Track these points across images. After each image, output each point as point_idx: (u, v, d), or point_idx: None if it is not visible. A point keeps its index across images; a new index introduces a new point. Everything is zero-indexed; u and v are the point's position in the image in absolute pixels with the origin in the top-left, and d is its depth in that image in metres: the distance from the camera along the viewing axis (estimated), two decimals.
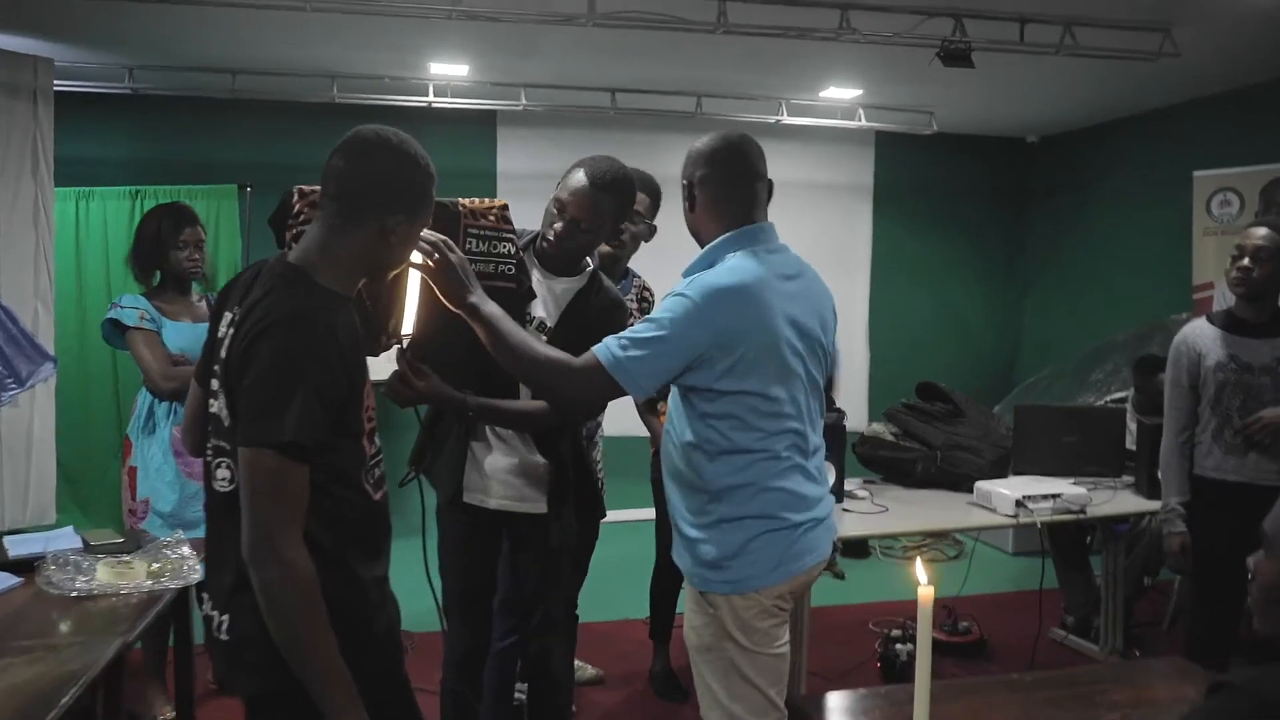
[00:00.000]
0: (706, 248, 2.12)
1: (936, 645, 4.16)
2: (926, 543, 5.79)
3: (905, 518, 3.46)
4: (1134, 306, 6.15)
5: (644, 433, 3.88)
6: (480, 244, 2.37)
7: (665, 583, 3.88)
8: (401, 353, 2.19)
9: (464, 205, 2.35)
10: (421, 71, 5.45)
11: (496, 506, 2.48)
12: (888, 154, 7.21)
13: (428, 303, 2.15)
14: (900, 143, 7.00)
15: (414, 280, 2.12)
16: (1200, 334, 3.17)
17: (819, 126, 6.44)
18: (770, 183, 2.25)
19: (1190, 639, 3.29)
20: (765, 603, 2.02)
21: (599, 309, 2.46)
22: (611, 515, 5.94)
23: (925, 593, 1.64)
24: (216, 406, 1.66)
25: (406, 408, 2.31)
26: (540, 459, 2.47)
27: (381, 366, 2.08)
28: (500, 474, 2.47)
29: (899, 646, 3.91)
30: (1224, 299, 5.44)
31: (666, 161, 6.80)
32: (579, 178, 2.40)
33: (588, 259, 2.54)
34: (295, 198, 2.09)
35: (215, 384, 1.66)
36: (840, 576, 5.26)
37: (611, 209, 2.43)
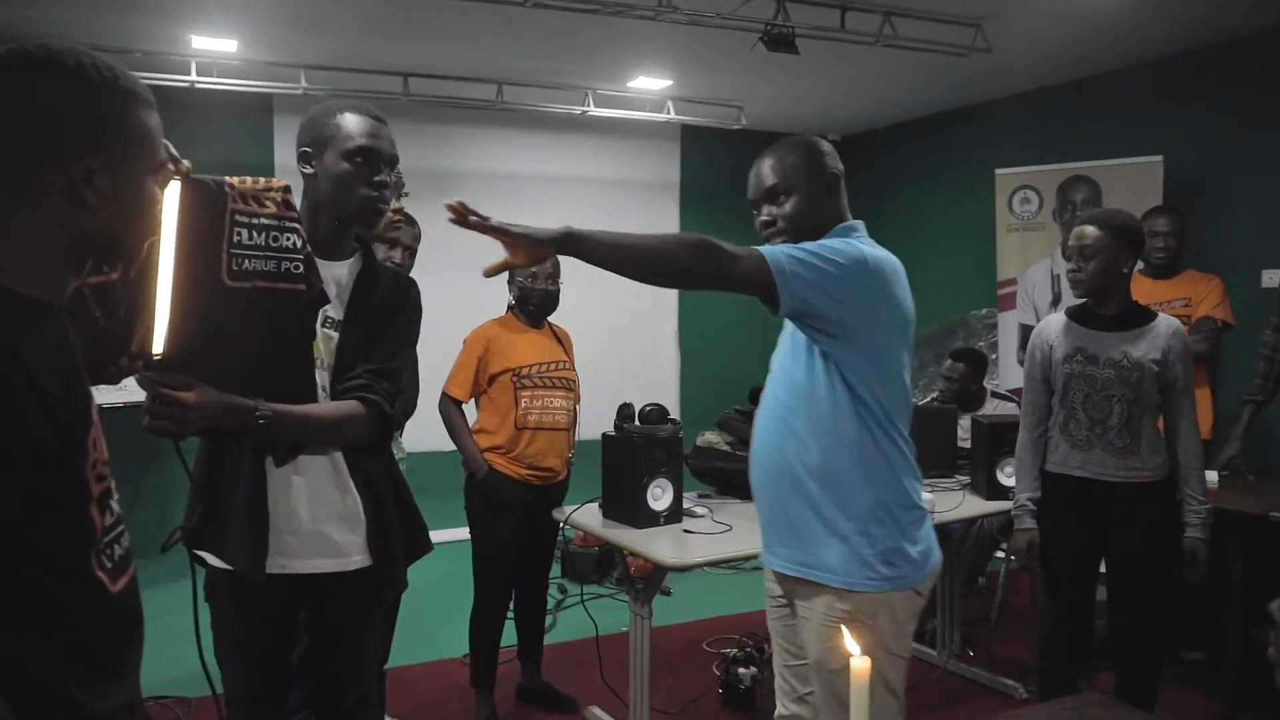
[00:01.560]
0: (834, 231, 2.04)
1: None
2: (755, 551, 5.60)
3: (751, 535, 3.14)
4: (940, 303, 6.21)
5: (450, 447, 3.44)
6: (255, 235, 1.87)
7: (488, 616, 3.45)
8: (146, 377, 1.66)
9: (232, 186, 1.84)
10: (182, 46, 4.75)
11: (306, 570, 1.91)
12: (694, 150, 7.04)
13: (184, 301, 1.64)
14: (707, 138, 6.84)
15: (165, 274, 1.60)
16: (1053, 327, 3.08)
17: (626, 120, 6.17)
18: None
19: (1047, 639, 3.21)
20: (919, 600, 2.01)
21: (386, 289, 2.01)
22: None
23: (859, 665, 1.32)
24: None
25: (175, 438, 1.75)
26: (354, 492, 1.94)
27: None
28: (308, 523, 1.90)
29: (741, 671, 3.64)
30: (1026, 294, 5.56)
31: (463, 154, 6.43)
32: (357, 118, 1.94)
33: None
34: None
35: None
36: (666, 593, 4.97)
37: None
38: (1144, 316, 2.98)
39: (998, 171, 5.55)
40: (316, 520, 1.91)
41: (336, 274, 1.95)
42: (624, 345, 6.73)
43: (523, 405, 3.36)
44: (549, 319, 3.54)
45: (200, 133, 5.15)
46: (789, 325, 2.10)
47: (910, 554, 1.96)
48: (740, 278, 1.83)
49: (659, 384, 6.81)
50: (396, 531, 2.01)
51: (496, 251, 1.90)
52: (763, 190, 2.09)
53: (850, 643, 1.35)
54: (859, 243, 1.97)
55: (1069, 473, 3.02)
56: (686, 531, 3.17)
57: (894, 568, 1.94)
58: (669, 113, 6.12)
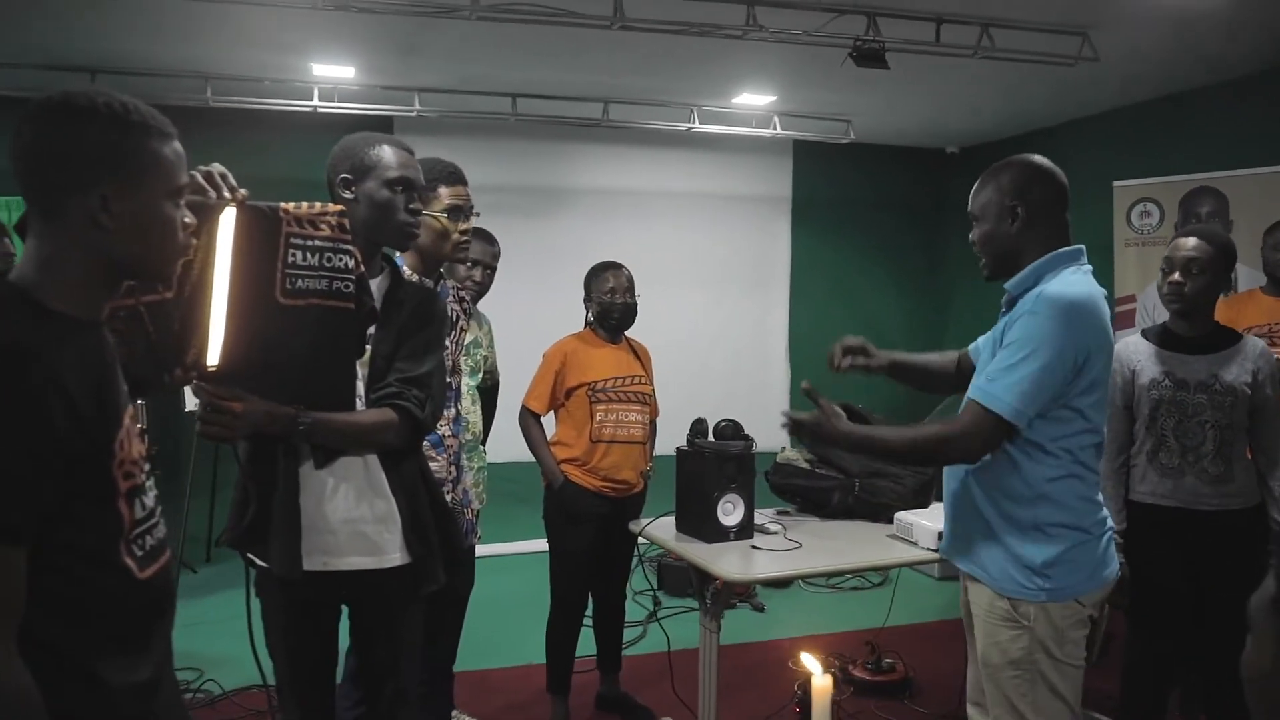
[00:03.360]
0: (1034, 264, 2.08)
1: (859, 685, 3.92)
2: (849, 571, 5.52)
3: (820, 554, 3.15)
4: None
5: (530, 458, 3.55)
6: (309, 256, 2.00)
7: (563, 625, 3.53)
8: (200, 387, 1.80)
9: (287, 210, 1.98)
10: (304, 74, 5.06)
11: (347, 567, 2.04)
12: (806, 164, 7.01)
13: (239, 318, 1.78)
14: (818, 153, 6.80)
15: (220, 293, 1.75)
16: (1135, 351, 2.95)
17: (733, 135, 6.20)
18: None
19: (1128, 673, 3.07)
20: (1083, 611, 2.06)
21: (415, 302, 2.14)
22: (498, 548, 5.67)
23: (820, 685, 1.33)
24: None
25: (223, 442, 1.91)
26: (388, 495, 2.07)
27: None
28: (347, 524, 2.03)
29: None
30: (1146, 311, 5.30)
31: (573, 171, 6.60)
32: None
33: (386, 253, 2.20)
34: None
35: None
36: (760, 609, 4.95)
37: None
38: (1230, 338, 2.84)
39: (1116, 184, 5.32)
40: (354, 520, 2.03)
41: (370, 289, 2.08)
42: (731, 359, 6.75)
43: (598, 418, 3.43)
44: (627, 334, 3.61)
45: (324, 155, 5.44)
46: (995, 336, 2.17)
47: (1069, 568, 2.03)
48: (981, 448, 2.01)
49: (766, 400, 6.80)
50: (432, 530, 2.11)
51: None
52: (971, 206, 2.20)
53: (810, 661, 1.36)
54: (1064, 299, 1.96)
55: (1159, 502, 2.89)
56: (755, 548, 3.17)
57: (1049, 579, 2.01)
58: (776, 128, 6.12)
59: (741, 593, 5.02)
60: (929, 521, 3.17)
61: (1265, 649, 1.00)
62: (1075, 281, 2.01)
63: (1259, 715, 1.04)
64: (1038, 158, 2.15)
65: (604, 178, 6.49)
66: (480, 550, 5.25)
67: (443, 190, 2.49)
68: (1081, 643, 2.07)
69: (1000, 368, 1.97)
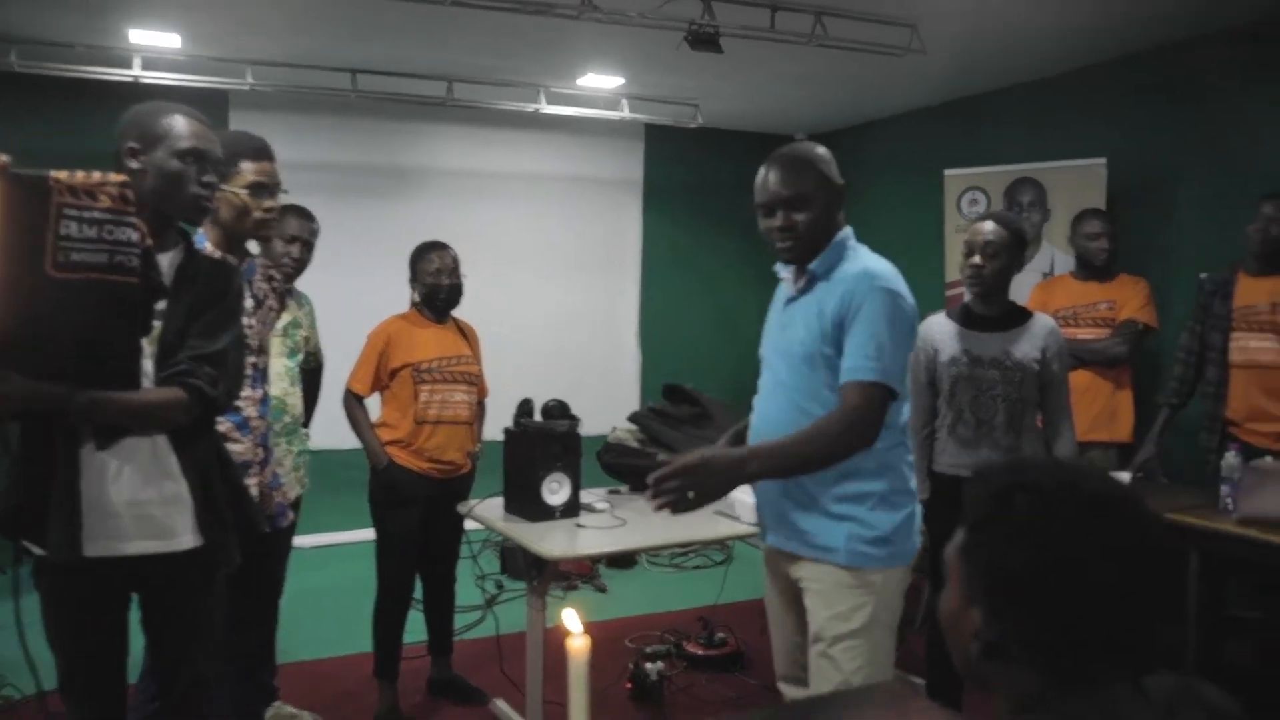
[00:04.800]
0: (834, 243, 2.16)
1: (691, 660, 4.00)
2: (693, 549, 5.62)
3: (643, 531, 3.20)
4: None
5: (354, 444, 3.49)
6: (86, 228, 1.89)
7: (390, 609, 3.48)
8: None
9: (58, 180, 1.87)
10: (121, 40, 4.79)
11: (134, 552, 1.95)
12: (657, 148, 7.05)
13: (5, 292, 1.69)
14: (669, 137, 6.85)
15: None
16: (938, 330, 3.10)
17: (585, 118, 6.18)
18: None
19: (930, 638, 3.23)
20: (910, 576, 2.18)
21: (208, 277, 2.07)
22: (327, 538, 5.55)
23: (577, 645, 1.34)
24: None
25: None
26: (178, 476, 1.98)
27: None
28: (133, 507, 1.94)
29: (649, 666, 3.66)
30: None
31: (419, 151, 6.46)
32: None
33: (184, 228, 2.12)
34: None
35: None
36: (602, 590, 5.00)
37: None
38: (1022, 316, 3.00)
39: (946, 173, 5.55)
40: (141, 502, 1.95)
41: (159, 264, 1.99)
42: (582, 342, 6.76)
43: (422, 399, 3.39)
44: (454, 314, 3.57)
45: None
46: (788, 320, 2.22)
47: (906, 533, 2.16)
48: (877, 422, 2.03)
49: (618, 382, 6.84)
50: (227, 512, 2.05)
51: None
52: (779, 198, 2.15)
53: (571, 620, 1.37)
54: (888, 279, 2.08)
55: (957, 473, 3.04)
56: (579, 526, 3.19)
57: (893, 545, 2.12)
58: (625, 111, 6.14)
59: (583, 574, 5.05)
60: (750, 498, 3.24)
61: (952, 590, 1.06)
62: (879, 260, 2.15)
63: (956, 658, 1.10)
64: (819, 147, 2.23)
65: (451, 159, 6.39)
66: (307, 541, 5.19)
67: (246, 165, 2.41)
68: (900, 609, 2.18)
69: (872, 344, 2.01)
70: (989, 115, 5.87)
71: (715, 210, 7.30)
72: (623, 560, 5.38)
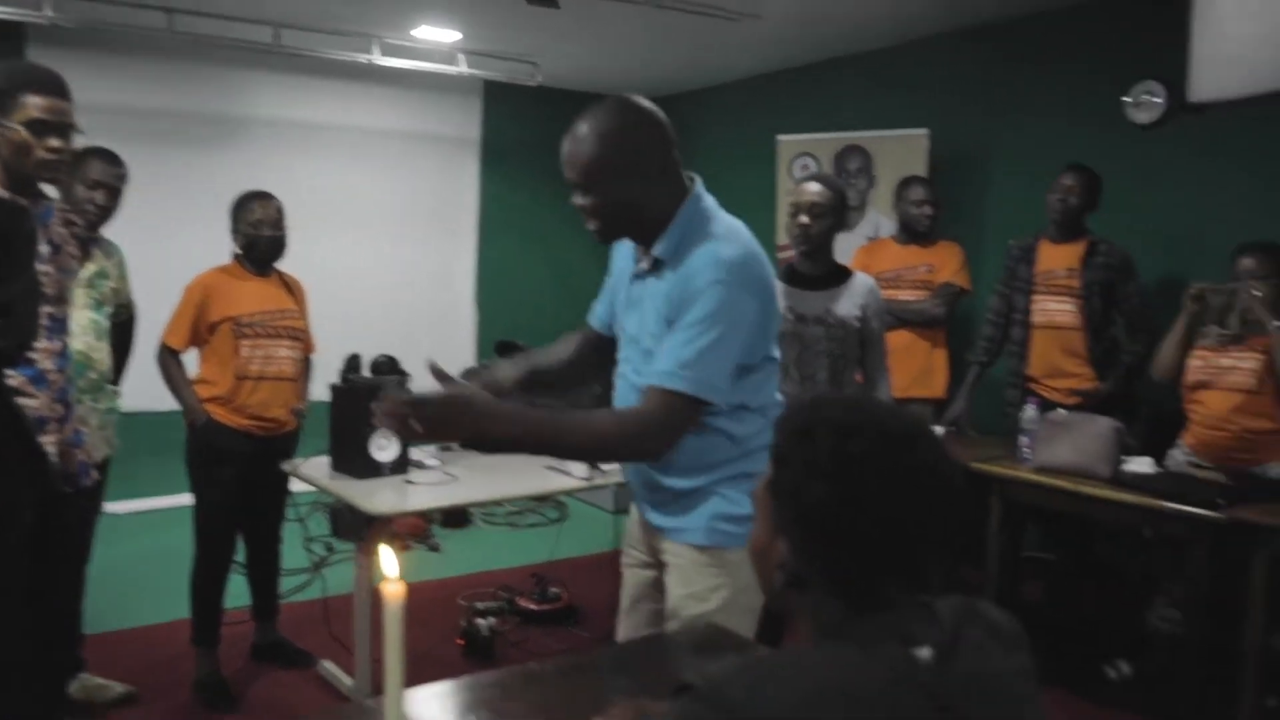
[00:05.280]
0: (676, 223, 1.87)
1: (525, 614, 4.02)
2: (529, 506, 5.64)
3: (475, 486, 3.19)
4: None
5: (171, 405, 3.32)
6: None
7: (209, 571, 3.34)
8: None
9: None
10: None
11: None
12: (496, 106, 6.94)
13: None
14: (509, 95, 6.75)
15: None
16: None
17: (419, 71, 6.01)
18: None
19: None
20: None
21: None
22: (139, 504, 5.30)
23: (392, 590, 1.32)
24: None
25: None
26: None
27: None
28: None
29: (480, 621, 3.65)
30: None
31: (244, 99, 6.15)
32: None
33: None
34: None
35: None
36: (436, 549, 4.95)
37: None
38: (843, 275, 3.12)
39: (780, 138, 5.69)
40: None
41: None
42: (418, 301, 6.62)
43: (244, 354, 3.26)
44: (279, 266, 3.43)
45: None
46: (635, 299, 1.98)
47: None
48: (676, 435, 1.80)
49: (454, 342, 6.75)
50: (14, 469, 1.92)
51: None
52: (569, 179, 1.87)
53: (388, 561, 1.34)
54: (732, 269, 1.80)
55: None
56: (409, 482, 3.15)
57: (747, 525, 1.96)
58: (463, 66, 6.00)
59: (416, 533, 4.99)
60: None
61: (760, 524, 1.10)
62: (734, 233, 1.88)
63: (763, 588, 1.15)
64: (634, 99, 1.89)
65: (279, 108, 6.10)
66: (121, 507, 4.94)
67: (30, 99, 2.21)
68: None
69: (692, 347, 1.77)
70: (822, 83, 6.04)
71: (554, 171, 7.11)
72: (457, 519, 5.34)
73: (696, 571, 1.98)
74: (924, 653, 0.96)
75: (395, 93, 6.46)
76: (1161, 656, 3.41)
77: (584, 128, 1.85)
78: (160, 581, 4.08)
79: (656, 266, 1.91)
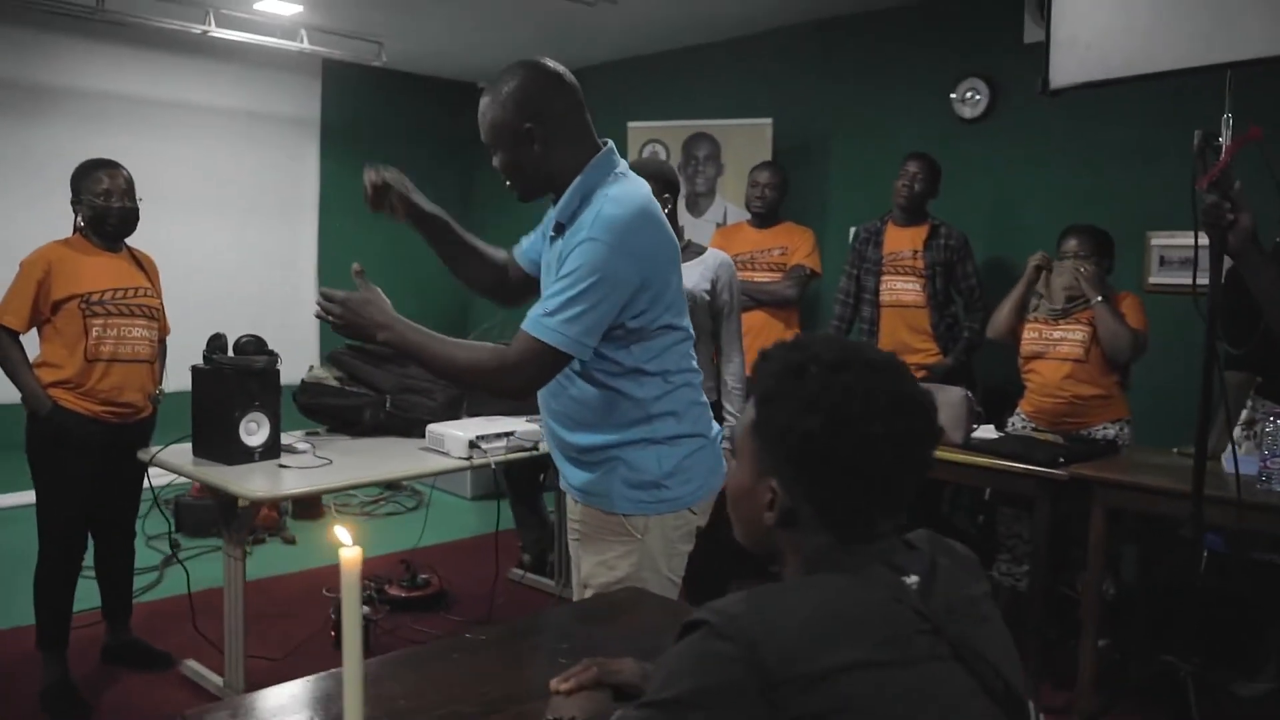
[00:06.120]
0: (575, 185, 1.90)
1: (395, 602, 3.94)
2: (384, 496, 5.51)
3: (351, 469, 3.10)
4: None
5: (12, 399, 3.07)
6: None
7: (56, 570, 3.10)
8: None
9: None
10: None
11: None
12: (336, 86, 6.72)
13: None
14: (350, 76, 6.55)
15: None
16: None
17: (259, 47, 5.74)
18: None
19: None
20: (694, 520, 2.06)
21: None
22: None
23: (349, 555, 1.30)
24: None
25: None
26: None
27: None
28: None
29: None
30: None
31: (62, 68, 5.73)
32: None
33: None
34: None
35: None
36: (291, 541, 4.77)
37: None
38: (695, 250, 3.21)
39: (630, 124, 5.76)
40: None
41: None
42: (258, 285, 6.35)
43: (94, 335, 3.04)
44: (128, 242, 3.22)
45: None
46: (549, 262, 1.98)
47: (684, 476, 2.01)
48: (533, 382, 1.90)
49: (295, 326, 6.49)
50: None
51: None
52: (483, 131, 1.95)
53: (341, 533, 1.32)
54: (612, 227, 1.81)
55: None
56: (282, 466, 3.03)
57: (665, 489, 1.99)
58: (304, 42, 5.78)
59: (269, 526, 4.80)
60: (460, 431, 3.25)
61: (743, 468, 1.15)
62: (626, 195, 1.88)
63: (737, 529, 1.19)
64: (541, 61, 1.94)
65: (102, 80, 5.68)
66: None
67: None
68: (685, 557, 2.07)
69: (558, 299, 1.81)
70: (672, 72, 6.15)
71: (396, 156, 6.94)
72: (310, 510, 5.16)
73: (604, 539, 2.03)
74: (911, 579, 1.03)
75: (231, 69, 6.16)
76: (1007, 609, 3.68)
77: (491, 90, 1.92)
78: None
79: (560, 230, 1.95)
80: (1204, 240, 2.17)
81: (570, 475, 2.08)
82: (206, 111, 6.17)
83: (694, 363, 2.06)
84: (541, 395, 2.06)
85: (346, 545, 1.30)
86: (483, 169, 7.46)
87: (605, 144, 1.97)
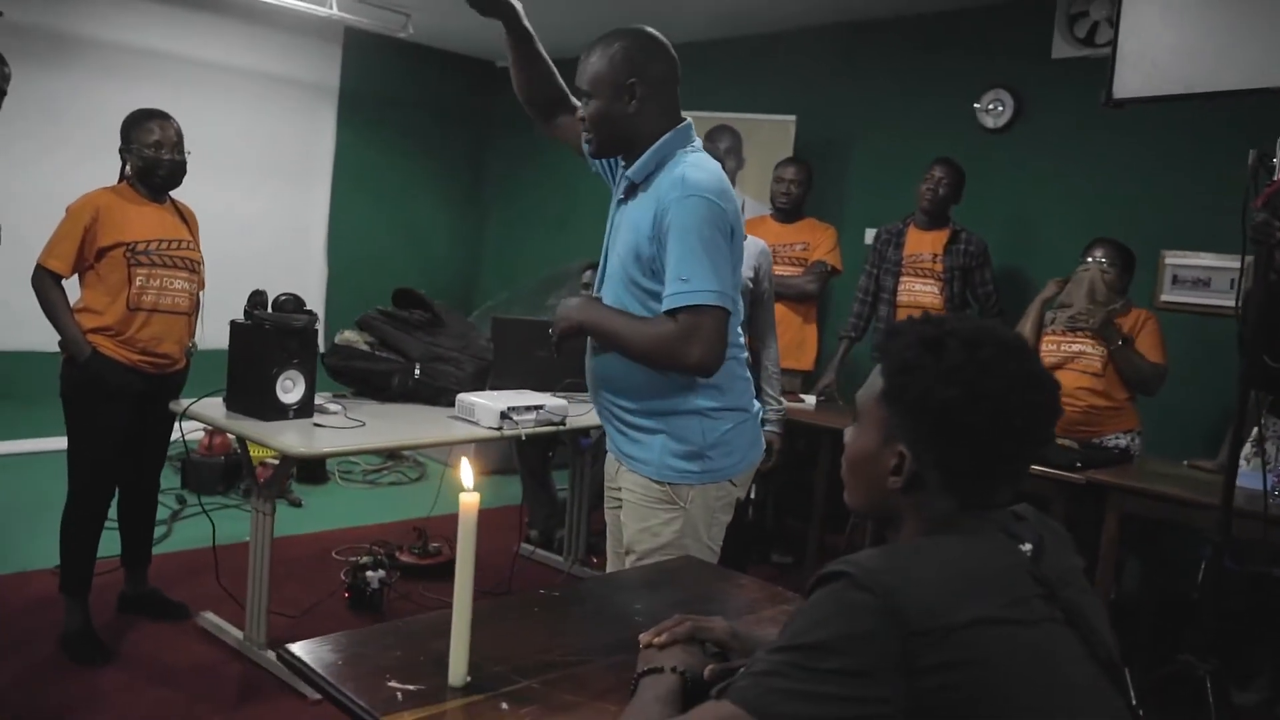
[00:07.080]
0: (654, 148, 1.98)
1: (406, 569, 3.97)
2: (386, 465, 5.54)
3: (383, 433, 3.13)
4: (582, 240, 6.42)
5: (50, 348, 3.07)
6: None
7: (84, 516, 3.11)
8: None
9: None
10: None
11: None
12: (357, 55, 6.72)
13: None
14: (371, 45, 6.55)
15: None
16: None
17: (281, 8, 5.72)
18: None
19: None
20: (735, 492, 2.13)
21: None
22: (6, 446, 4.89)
23: (469, 499, 1.36)
24: None
25: None
26: None
27: None
28: None
29: (369, 574, 3.59)
30: None
31: (80, 17, 5.69)
32: None
33: None
34: None
35: None
36: (297, 504, 4.79)
37: None
38: None
39: None
40: None
41: None
42: (267, 250, 6.34)
43: (137, 284, 3.04)
44: (173, 194, 3.23)
45: None
46: (618, 223, 2.08)
47: (726, 449, 2.07)
48: (716, 347, 1.92)
49: (304, 293, 6.49)
50: None
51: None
52: (576, 86, 2.05)
53: (466, 474, 1.37)
54: (702, 187, 1.89)
55: None
56: (317, 425, 3.06)
57: (708, 460, 2.05)
58: (331, 7, 5.77)
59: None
60: (489, 402, 3.28)
61: (867, 434, 1.20)
62: (708, 163, 1.97)
63: (852, 492, 1.24)
64: (650, 30, 2.03)
65: (122, 31, 5.66)
66: None
67: None
68: (724, 526, 2.15)
69: (686, 265, 1.87)
70: (698, 63, 6.17)
71: (414, 129, 7.10)
72: (315, 475, 5.18)
73: (649, 506, 2.09)
74: (1025, 547, 1.09)
75: (250, 30, 6.15)
76: None
77: (601, 42, 2.02)
78: (18, 529, 3.79)
79: (630, 193, 2.03)
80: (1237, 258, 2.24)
81: (619, 443, 2.14)
82: (224, 70, 6.15)
83: (741, 339, 2.15)
84: (591, 364, 2.13)
85: (468, 489, 1.36)
86: (495, 148, 7.48)
87: (685, 120, 2.04)
